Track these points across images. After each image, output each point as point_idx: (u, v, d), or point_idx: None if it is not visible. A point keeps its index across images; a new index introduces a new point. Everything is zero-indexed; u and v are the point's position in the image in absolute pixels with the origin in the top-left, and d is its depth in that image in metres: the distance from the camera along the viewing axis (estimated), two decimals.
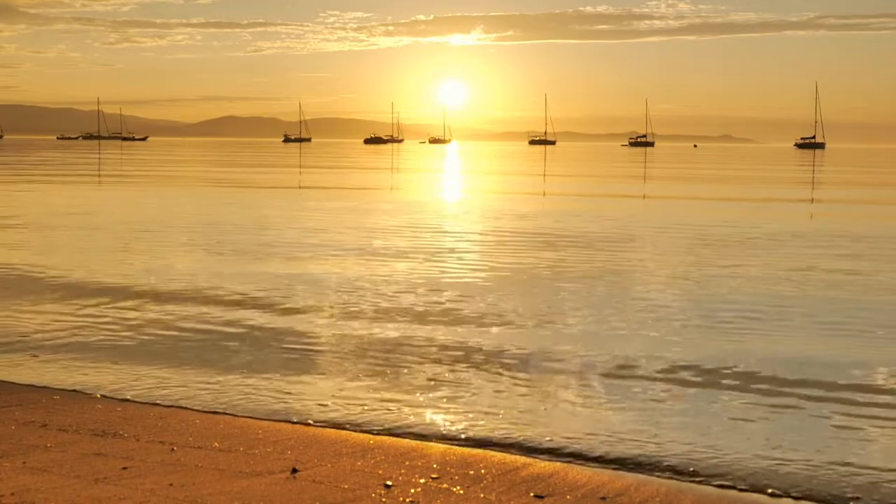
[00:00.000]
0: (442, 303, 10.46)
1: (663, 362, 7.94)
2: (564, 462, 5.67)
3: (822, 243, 15.95)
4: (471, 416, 6.59)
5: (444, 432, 6.19)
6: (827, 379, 7.57)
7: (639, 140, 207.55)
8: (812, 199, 25.73)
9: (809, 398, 7.07)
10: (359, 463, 5.40)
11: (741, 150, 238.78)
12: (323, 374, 7.75)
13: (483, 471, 5.33)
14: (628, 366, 7.82)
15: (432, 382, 7.43)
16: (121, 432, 5.94)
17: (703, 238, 16.25)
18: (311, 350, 8.58)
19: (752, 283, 11.52)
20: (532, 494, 4.95)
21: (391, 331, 9.15)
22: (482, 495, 4.91)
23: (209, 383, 7.40)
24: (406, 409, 6.70)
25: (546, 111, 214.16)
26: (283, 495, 4.81)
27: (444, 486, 5.04)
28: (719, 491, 5.20)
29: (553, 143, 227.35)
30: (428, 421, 6.46)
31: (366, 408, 6.75)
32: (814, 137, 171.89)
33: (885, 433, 6.30)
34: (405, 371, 7.78)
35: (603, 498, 4.94)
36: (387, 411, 6.65)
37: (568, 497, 4.94)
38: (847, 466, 5.60)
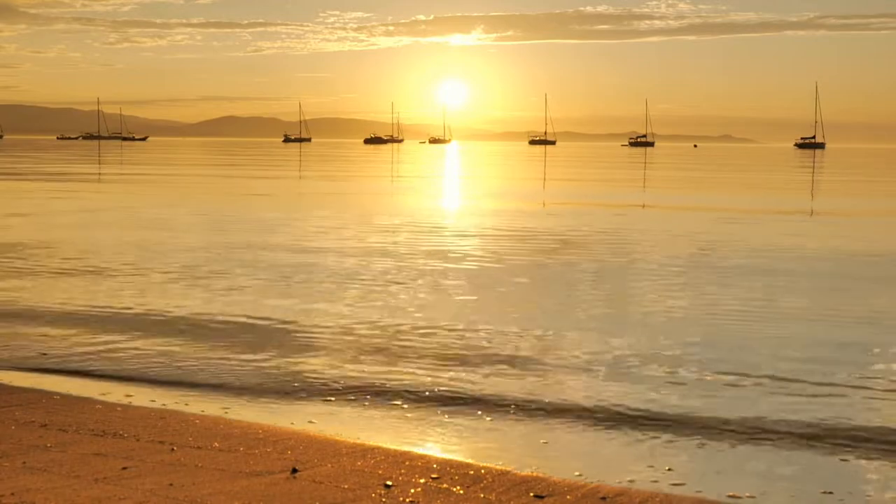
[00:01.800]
0: (440, 343, 9.72)
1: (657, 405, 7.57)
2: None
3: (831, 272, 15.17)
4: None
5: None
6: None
7: (639, 140, 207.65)
8: (811, 212, 24.88)
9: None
10: (359, 463, 5.40)
11: (741, 150, 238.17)
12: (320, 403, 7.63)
13: (483, 471, 5.33)
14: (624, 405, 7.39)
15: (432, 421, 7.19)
16: (121, 432, 5.94)
17: (707, 266, 15.38)
18: (311, 371, 8.55)
19: (759, 324, 10.12)
20: (532, 494, 4.95)
21: (390, 371, 8.29)
22: (482, 495, 4.91)
23: (210, 389, 7.40)
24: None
25: (546, 111, 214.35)
26: (283, 495, 4.81)
27: (444, 486, 5.04)
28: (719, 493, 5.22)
29: (553, 143, 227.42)
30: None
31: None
32: (814, 137, 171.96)
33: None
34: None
35: (603, 498, 4.94)
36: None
37: (568, 497, 4.93)
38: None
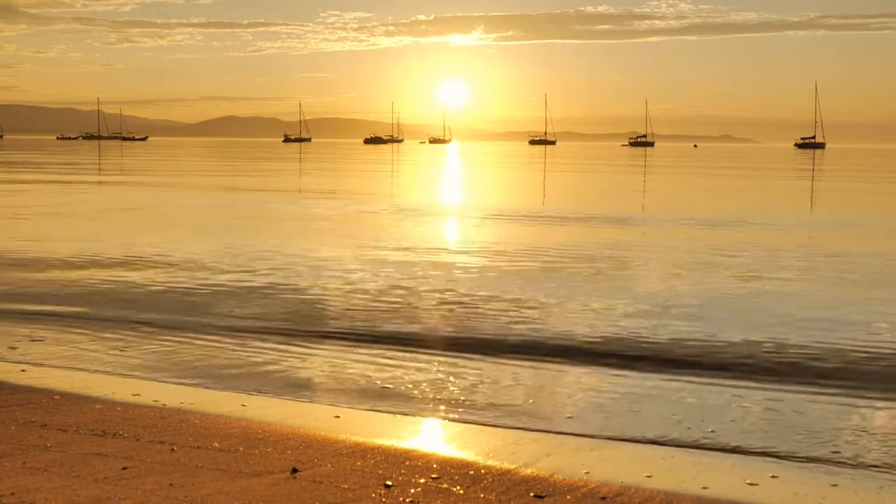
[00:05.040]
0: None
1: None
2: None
3: None
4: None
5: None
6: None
7: (639, 140, 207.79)
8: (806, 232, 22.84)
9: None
10: (359, 463, 5.40)
11: (741, 150, 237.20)
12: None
13: (483, 471, 5.33)
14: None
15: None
16: (121, 432, 5.94)
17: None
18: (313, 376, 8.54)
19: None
20: (532, 494, 4.94)
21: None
22: (482, 495, 4.91)
23: (211, 388, 7.40)
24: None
25: (546, 111, 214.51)
26: (283, 495, 4.81)
27: (444, 486, 5.04)
28: (720, 493, 5.22)
29: (553, 143, 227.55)
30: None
31: None
32: (814, 137, 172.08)
33: None
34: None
35: (603, 498, 4.94)
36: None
37: (568, 497, 4.93)
38: None
